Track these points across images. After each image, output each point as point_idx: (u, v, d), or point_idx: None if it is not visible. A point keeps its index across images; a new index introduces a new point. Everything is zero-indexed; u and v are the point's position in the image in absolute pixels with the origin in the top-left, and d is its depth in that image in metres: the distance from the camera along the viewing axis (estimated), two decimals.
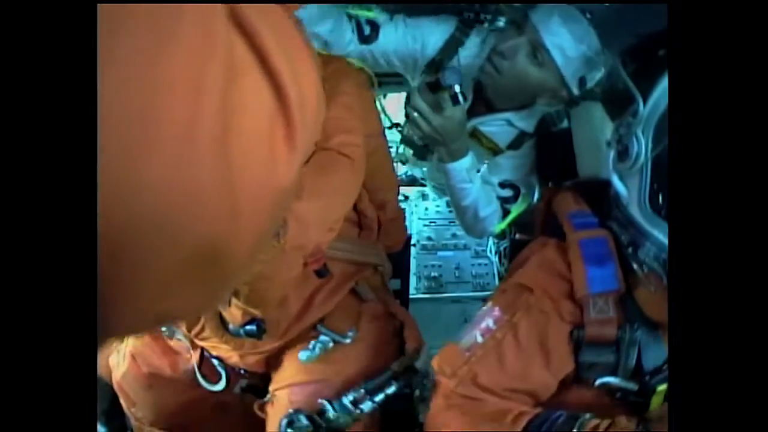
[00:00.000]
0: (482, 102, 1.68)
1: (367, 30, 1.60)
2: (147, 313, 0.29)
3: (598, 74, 1.54)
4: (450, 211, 2.87)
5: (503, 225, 1.82)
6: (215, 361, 1.39)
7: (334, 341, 1.32)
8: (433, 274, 2.77)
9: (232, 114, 0.25)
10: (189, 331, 1.34)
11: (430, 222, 2.87)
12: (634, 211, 0.95)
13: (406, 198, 2.90)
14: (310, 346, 1.30)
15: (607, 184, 1.03)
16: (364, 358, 1.33)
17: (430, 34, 1.64)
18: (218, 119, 0.24)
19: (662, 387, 1.00)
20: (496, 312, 1.05)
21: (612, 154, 1.01)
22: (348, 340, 1.34)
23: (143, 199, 0.23)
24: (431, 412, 1.04)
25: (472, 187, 1.67)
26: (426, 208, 2.89)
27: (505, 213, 1.79)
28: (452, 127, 1.52)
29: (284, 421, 1.20)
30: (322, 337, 1.32)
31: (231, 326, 1.31)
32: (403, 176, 2.83)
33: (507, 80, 1.55)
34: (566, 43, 1.48)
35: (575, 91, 1.55)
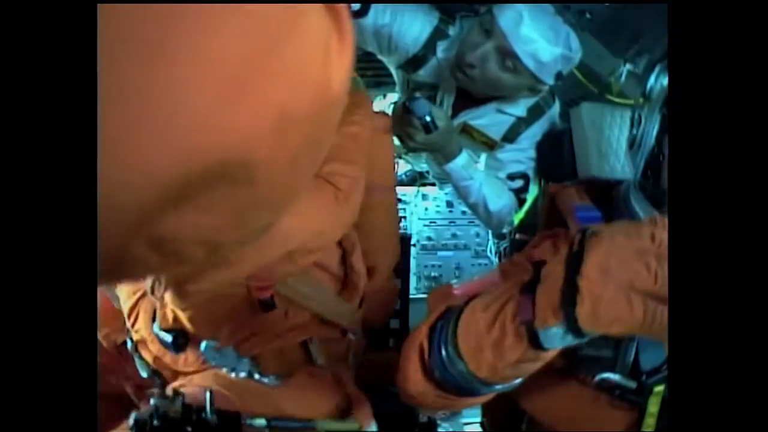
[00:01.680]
0: (467, 95, 1.64)
1: (356, 5, 1.52)
2: (138, 231, 0.26)
3: (575, 62, 1.50)
4: (450, 211, 2.87)
5: (522, 213, 1.81)
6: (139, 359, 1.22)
7: (250, 374, 1.08)
8: (433, 274, 2.77)
9: (293, 22, 0.27)
10: (128, 316, 1.18)
11: (430, 222, 2.87)
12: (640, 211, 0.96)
13: (403, 200, 2.88)
14: (223, 350, 1.08)
15: (613, 184, 1.03)
16: (280, 402, 1.08)
17: (412, 24, 1.57)
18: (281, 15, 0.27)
19: (659, 388, 0.99)
20: (495, 275, 1.06)
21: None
22: (266, 380, 1.09)
23: (201, 82, 0.25)
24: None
25: (474, 183, 1.66)
26: (426, 208, 2.89)
27: (522, 202, 1.78)
28: (437, 139, 1.53)
29: (157, 398, 0.95)
30: (242, 358, 1.09)
31: (155, 326, 1.14)
32: (403, 176, 2.82)
33: (481, 86, 1.52)
34: (539, 49, 1.39)
35: (551, 82, 1.52)
